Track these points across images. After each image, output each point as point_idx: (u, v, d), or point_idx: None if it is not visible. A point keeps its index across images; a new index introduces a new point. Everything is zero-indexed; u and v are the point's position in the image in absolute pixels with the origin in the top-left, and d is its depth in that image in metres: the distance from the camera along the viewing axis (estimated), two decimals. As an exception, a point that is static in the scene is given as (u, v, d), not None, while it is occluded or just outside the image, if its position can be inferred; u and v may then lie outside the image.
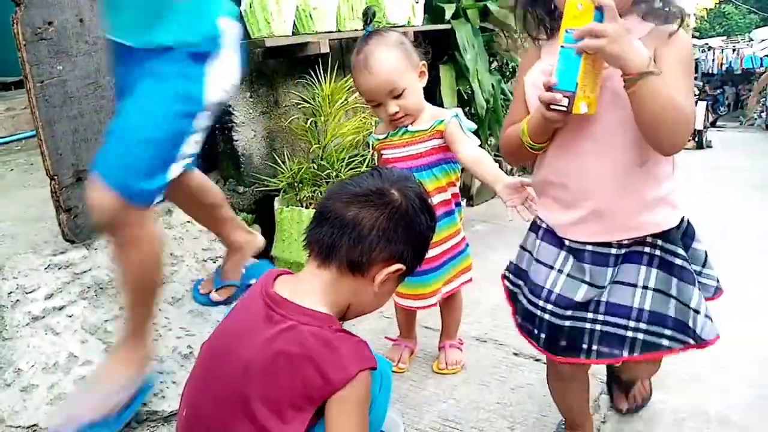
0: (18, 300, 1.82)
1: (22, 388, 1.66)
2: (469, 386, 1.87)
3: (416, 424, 1.66)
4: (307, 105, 2.78)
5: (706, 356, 2.05)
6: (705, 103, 10.20)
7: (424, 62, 1.77)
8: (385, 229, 1.13)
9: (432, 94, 3.57)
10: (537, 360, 2.03)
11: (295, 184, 2.65)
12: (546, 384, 1.86)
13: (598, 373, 1.93)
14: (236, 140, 2.70)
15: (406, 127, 1.79)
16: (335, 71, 2.74)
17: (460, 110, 1.82)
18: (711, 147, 9.60)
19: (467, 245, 1.98)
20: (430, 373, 1.95)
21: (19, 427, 1.59)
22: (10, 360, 1.71)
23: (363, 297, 1.18)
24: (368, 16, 1.81)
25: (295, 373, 1.04)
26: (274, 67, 2.83)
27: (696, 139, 9.65)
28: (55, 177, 1.92)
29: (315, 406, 1.05)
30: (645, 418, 1.69)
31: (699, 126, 9.54)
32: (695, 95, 10.25)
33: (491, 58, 4.08)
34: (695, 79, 11.49)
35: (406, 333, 2.08)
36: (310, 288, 1.14)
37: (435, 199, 1.80)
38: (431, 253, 1.81)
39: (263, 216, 2.76)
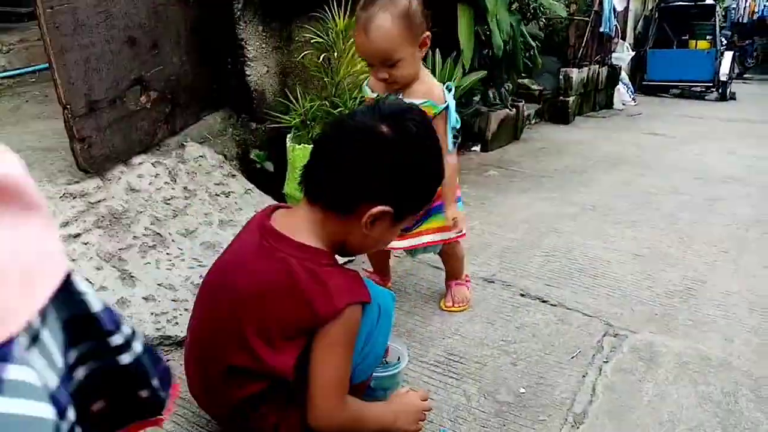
0: (34, 227, 1.86)
1: (40, 310, 1.71)
2: (474, 324, 1.89)
3: (421, 357, 1.70)
4: (321, 41, 2.73)
5: (712, 303, 2.07)
6: (732, 53, 9.85)
7: (428, 34, 1.67)
8: (366, 169, 1.07)
9: (449, 35, 3.48)
10: (544, 301, 2.05)
11: (308, 122, 2.63)
12: (550, 324, 1.90)
13: (601, 315, 1.95)
14: (249, 75, 2.67)
15: (398, 93, 1.71)
16: (349, 5, 2.67)
17: (451, 94, 1.74)
18: (735, 99, 9.37)
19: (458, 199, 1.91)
20: (437, 311, 1.98)
21: (38, 347, 1.65)
22: (28, 284, 1.76)
23: (354, 237, 1.15)
24: None
25: (285, 304, 1.06)
26: (288, 1, 2.77)
27: (720, 91, 9.42)
28: (68, 106, 1.92)
29: (305, 337, 1.07)
30: (647, 360, 1.71)
31: (724, 77, 9.29)
32: (722, 44, 9.94)
33: (511, -2, 3.96)
34: (723, 28, 11.09)
35: (377, 269, 2.11)
36: (303, 223, 1.13)
37: None
38: None
39: (275, 153, 2.76)
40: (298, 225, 1.13)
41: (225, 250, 1.24)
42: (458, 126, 1.79)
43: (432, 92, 1.72)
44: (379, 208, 1.09)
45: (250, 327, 1.07)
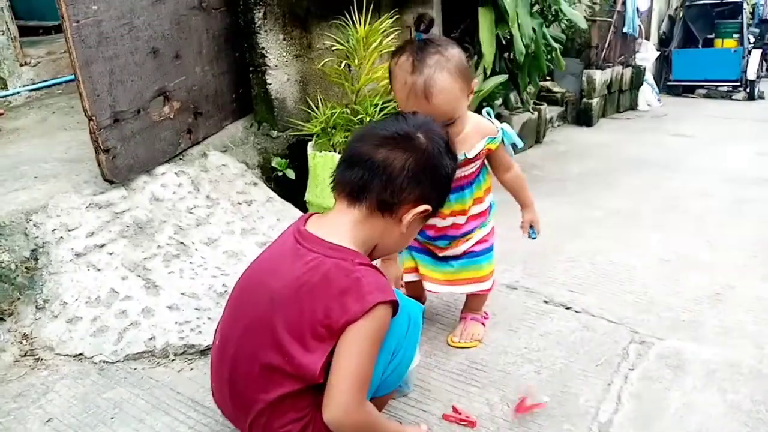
0: (61, 237, 1.89)
1: (68, 319, 1.74)
2: (497, 331, 1.88)
3: (443, 365, 1.69)
4: (341, 48, 2.74)
5: (742, 309, 2.02)
6: (760, 51, 9.65)
7: (476, 80, 1.59)
8: (415, 171, 1.17)
9: (470, 40, 3.47)
10: (567, 308, 2.03)
11: (329, 129, 2.64)
12: (575, 332, 1.87)
13: (627, 322, 1.92)
14: (270, 84, 2.69)
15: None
16: (370, 12, 2.68)
17: (505, 126, 1.69)
18: (763, 98, 9.17)
19: (491, 248, 1.88)
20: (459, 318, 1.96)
21: (67, 355, 1.68)
22: (56, 293, 1.79)
23: (389, 237, 1.22)
24: (423, 23, 1.51)
25: (317, 301, 1.08)
26: (308, 8, 2.79)
27: (747, 90, 9.23)
28: (93, 118, 1.96)
29: (336, 337, 1.08)
30: (674, 367, 1.68)
31: (752, 76, 9.10)
32: (750, 43, 9.73)
33: (533, 0, 3.93)
34: (751, 26, 10.85)
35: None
36: (338, 225, 1.17)
37: (473, 210, 1.77)
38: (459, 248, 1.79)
39: (297, 161, 2.78)
40: (333, 228, 1.17)
41: (260, 254, 1.28)
42: (512, 140, 1.72)
43: (484, 129, 1.66)
44: (423, 207, 1.19)
45: (283, 326, 1.10)
